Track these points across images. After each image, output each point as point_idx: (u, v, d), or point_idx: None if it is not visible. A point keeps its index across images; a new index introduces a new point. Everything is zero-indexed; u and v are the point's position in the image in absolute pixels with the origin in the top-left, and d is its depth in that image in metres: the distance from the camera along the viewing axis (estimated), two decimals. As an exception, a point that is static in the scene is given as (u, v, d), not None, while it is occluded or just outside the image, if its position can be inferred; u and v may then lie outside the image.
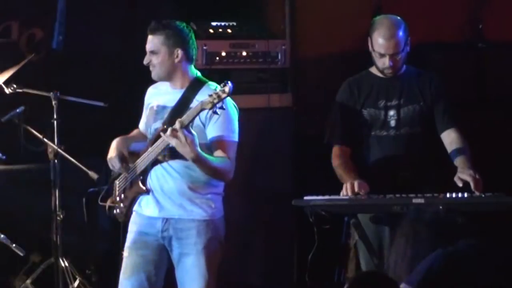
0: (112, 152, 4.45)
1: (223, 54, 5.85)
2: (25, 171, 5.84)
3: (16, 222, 5.71)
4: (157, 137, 4.31)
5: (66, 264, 5.45)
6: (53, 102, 5.38)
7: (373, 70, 4.90)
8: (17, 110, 5.42)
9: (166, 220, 4.40)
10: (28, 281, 5.64)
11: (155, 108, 4.51)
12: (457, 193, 4.39)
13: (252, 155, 5.73)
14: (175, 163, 4.36)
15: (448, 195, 4.38)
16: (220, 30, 6.00)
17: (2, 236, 5.28)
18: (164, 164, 4.38)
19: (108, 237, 5.69)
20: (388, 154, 4.84)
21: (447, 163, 4.82)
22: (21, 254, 5.35)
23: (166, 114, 4.43)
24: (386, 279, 3.08)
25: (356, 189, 4.57)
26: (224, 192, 4.56)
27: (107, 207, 4.62)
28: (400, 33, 4.76)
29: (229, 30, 6.01)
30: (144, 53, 4.62)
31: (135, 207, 4.48)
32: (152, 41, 4.43)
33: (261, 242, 5.83)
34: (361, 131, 4.92)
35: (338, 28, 6.44)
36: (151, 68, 4.45)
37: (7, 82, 5.38)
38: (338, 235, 5.30)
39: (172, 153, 4.36)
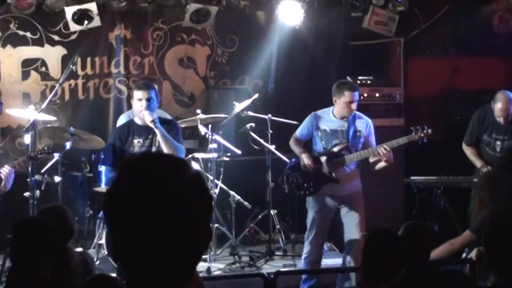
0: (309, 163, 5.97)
1: (365, 95, 7.58)
2: (251, 161, 7.50)
3: (246, 188, 7.44)
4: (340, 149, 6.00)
5: (275, 214, 7.11)
6: (268, 121, 6.96)
7: (494, 107, 6.63)
8: (247, 126, 7.12)
9: None
10: (252, 224, 7.41)
11: (328, 130, 6.09)
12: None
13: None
14: None
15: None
16: (364, 81, 7.72)
17: (237, 197, 6.99)
18: None
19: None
20: (494, 164, 6.66)
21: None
22: (249, 207, 7.21)
23: (341, 135, 6.01)
24: (396, 236, 3.47)
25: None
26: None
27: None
28: (511, 107, 6.57)
29: (368, 81, 7.76)
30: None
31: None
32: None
33: (380, 208, 7.21)
34: (481, 145, 6.86)
35: (433, 79, 8.25)
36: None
37: (243, 110, 7.08)
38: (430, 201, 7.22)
39: None
